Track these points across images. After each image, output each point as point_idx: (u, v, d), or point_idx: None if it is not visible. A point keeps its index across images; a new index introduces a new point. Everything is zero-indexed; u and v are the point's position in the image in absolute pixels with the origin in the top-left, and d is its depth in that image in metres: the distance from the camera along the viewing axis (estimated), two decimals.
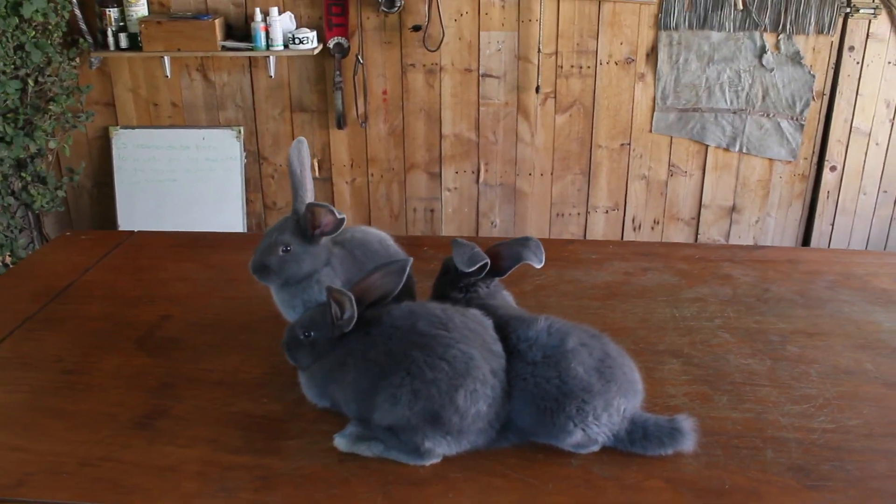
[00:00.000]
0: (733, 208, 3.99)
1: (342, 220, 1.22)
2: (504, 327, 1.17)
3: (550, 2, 3.60)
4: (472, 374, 1.08)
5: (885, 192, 3.90)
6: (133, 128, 3.80)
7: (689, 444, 1.11)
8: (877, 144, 3.81)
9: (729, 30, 3.60)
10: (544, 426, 1.10)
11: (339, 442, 1.12)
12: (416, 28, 3.62)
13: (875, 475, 1.10)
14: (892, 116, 3.76)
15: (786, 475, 1.10)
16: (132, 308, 1.58)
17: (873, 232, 3.99)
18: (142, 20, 3.45)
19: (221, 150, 3.74)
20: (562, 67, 3.74)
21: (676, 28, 3.61)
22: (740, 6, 3.48)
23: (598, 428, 1.09)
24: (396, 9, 3.51)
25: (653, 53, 3.70)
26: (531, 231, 4.09)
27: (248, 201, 3.93)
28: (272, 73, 3.66)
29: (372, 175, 3.97)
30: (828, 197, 3.92)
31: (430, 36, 3.64)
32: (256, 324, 1.51)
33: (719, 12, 3.56)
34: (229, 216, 3.80)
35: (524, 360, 1.13)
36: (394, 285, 1.18)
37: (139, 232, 1.99)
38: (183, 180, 3.75)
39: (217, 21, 3.44)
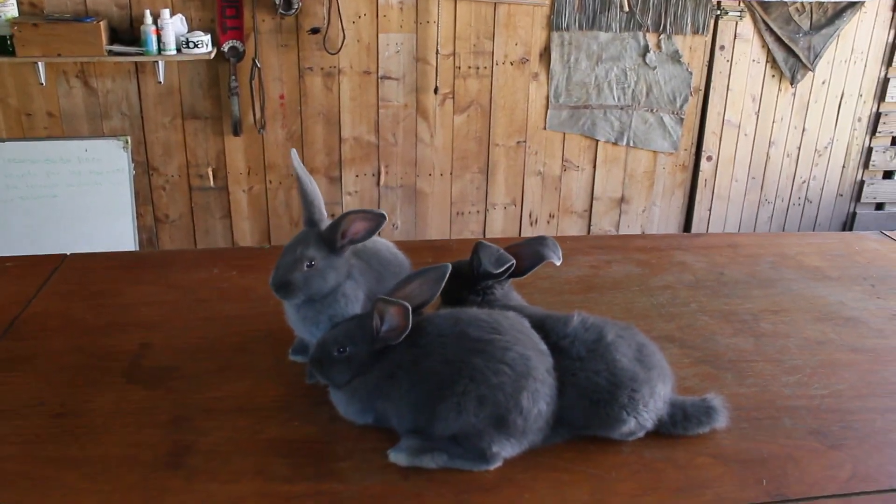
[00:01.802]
0: (622, 199, 4.22)
1: (381, 219, 1.18)
2: (540, 326, 1.19)
3: (448, 4, 3.65)
4: (532, 375, 1.09)
5: (753, 178, 4.26)
6: (2, 140, 3.46)
7: (723, 420, 1.18)
8: (745, 135, 4.16)
9: (615, 30, 3.80)
10: (598, 418, 1.13)
11: (398, 457, 1.09)
12: (315, 31, 3.55)
13: (878, 430, 1.23)
14: (757, 110, 4.11)
15: (808, 439, 1.20)
16: (103, 338, 1.45)
17: (744, 215, 4.35)
18: (13, 22, 3.14)
19: (107, 162, 3.49)
20: (459, 68, 3.80)
21: (567, 29, 3.77)
22: (625, 8, 3.68)
23: (647, 415, 1.14)
24: (293, 11, 3.42)
25: (546, 53, 3.83)
26: (432, 231, 4.13)
27: (139, 215, 3.69)
28: (161, 79, 3.46)
29: (270, 182, 3.85)
30: (705, 185, 4.23)
31: (329, 38, 3.58)
32: (250, 344, 1.44)
33: (606, 14, 3.75)
34: (118, 232, 3.56)
35: (569, 356, 1.15)
36: (432, 293, 1.17)
37: (73, 254, 1.84)
38: (64, 196, 3.47)
39: (101, 24, 3.20)
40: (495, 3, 3.69)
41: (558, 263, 1.28)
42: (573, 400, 1.14)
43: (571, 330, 1.18)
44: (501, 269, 1.24)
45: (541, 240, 1.30)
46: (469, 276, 1.29)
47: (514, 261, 1.25)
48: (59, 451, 1.14)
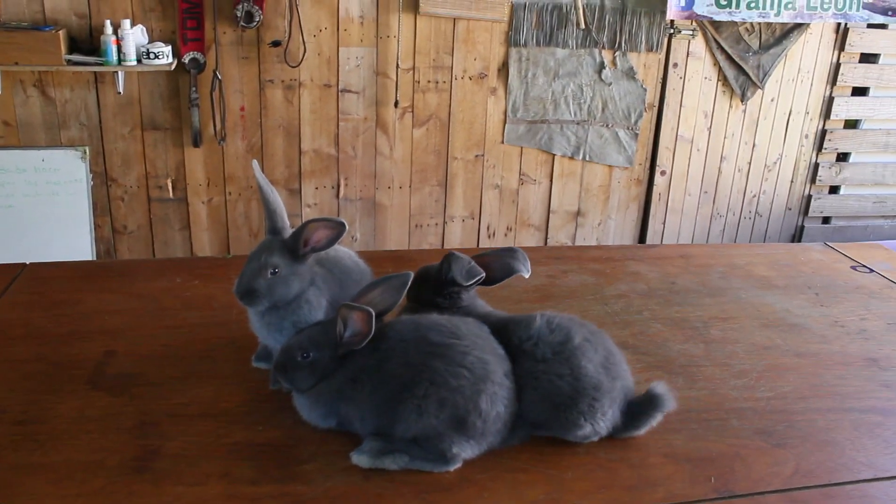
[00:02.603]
0: (578, 212, 4.30)
1: (342, 227, 1.21)
2: (502, 330, 1.23)
3: (408, 19, 3.70)
4: (490, 378, 1.13)
5: (706, 192, 4.39)
6: None
7: (670, 403, 1.22)
8: (698, 150, 4.28)
9: (572, 47, 3.89)
10: (557, 421, 1.17)
11: (360, 459, 1.12)
12: (276, 43, 3.56)
13: (819, 429, 1.29)
14: (709, 125, 4.24)
15: (755, 438, 1.26)
16: (66, 346, 1.46)
17: (697, 228, 4.47)
18: None
19: (65, 173, 3.45)
20: (419, 82, 3.85)
21: (525, 45, 3.85)
22: (582, 26, 3.78)
23: (603, 423, 1.18)
24: (255, 24, 3.44)
25: (504, 69, 3.91)
26: (391, 243, 4.16)
27: (97, 226, 3.65)
28: (121, 90, 3.44)
29: (230, 194, 3.85)
30: (659, 199, 4.34)
31: (290, 52, 3.60)
32: (214, 351, 1.46)
33: (563, 31, 3.84)
34: (76, 243, 3.51)
35: (533, 358, 1.18)
36: (394, 300, 1.20)
37: (32, 264, 1.83)
38: (20, 206, 3.42)
39: (61, 33, 3.18)
40: (454, 19, 3.75)
41: (527, 276, 1.32)
42: (535, 402, 1.17)
43: (535, 331, 1.21)
44: (471, 283, 1.27)
45: (511, 252, 1.33)
46: (437, 281, 1.32)
47: (483, 274, 1.28)
48: (23, 458, 1.14)
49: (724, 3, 3.81)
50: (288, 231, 1.27)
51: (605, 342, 1.24)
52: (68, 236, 3.51)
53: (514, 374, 1.18)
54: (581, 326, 1.23)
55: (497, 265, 1.32)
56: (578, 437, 1.19)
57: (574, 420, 1.16)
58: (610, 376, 1.19)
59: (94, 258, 3.62)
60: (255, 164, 1.33)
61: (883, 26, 4.21)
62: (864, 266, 2.01)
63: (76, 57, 3.24)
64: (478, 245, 4.25)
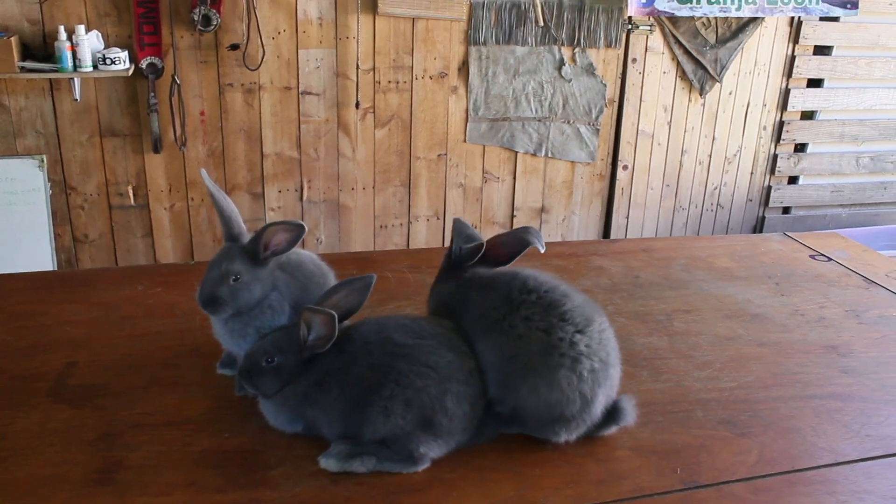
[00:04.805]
0: (542, 209, 4.32)
1: (301, 229, 1.21)
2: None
3: (366, 19, 3.69)
4: (455, 377, 1.13)
5: (668, 185, 4.44)
6: None
7: (630, 419, 1.23)
8: (659, 144, 4.33)
9: (531, 44, 3.91)
10: (540, 423, 1.18)
11: (328, 462, 1.12)
12: (234, 47, 3.53)
13: (782, 417, 1.32)
14: (669, 119, 4.29)
15: (719, 429, 1.28)
16: (27, 359, 1.43)
17: (661, 222, 4.52)
18: None
19: (22, 182, 3.38)
20: (380, 83, 3.84)
21: (485, 43, 3.86)
22: (540, 23, 3.80)
23: (577, 431, 1.19)
24: (212, 27, 3.40)
25: (464, 67, 3.91)
26: (356, 244, 4.15)
27: (56, 235, 3.58)
28: (77, 97, 3.38)
29: (192, 199, 3.80)
30: (622, 193, 4.38)
31: (248, 55, 3.57)
32: (176, 359, 1.44)
33: (522, 28, 3.86)
34: (35, 253, 3.44)
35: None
36: (359, 301, 1.20)
37: None
38: None
39: (13, 39, 3.11)
40: (413, 19, 3.75)
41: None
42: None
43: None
44: (471, 246, 1.27)
45: (525, 229, 1.32)
46: (452, 259, 1.32)
47: (483, 241, 1.27)
48: None
49: None
50: (246, 236, 1.27)
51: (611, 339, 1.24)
52: (28, 247, 3.44)
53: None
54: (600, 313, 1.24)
55: (511, 241, 1.30)
56: (551, 438, 1.19)
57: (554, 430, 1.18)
58: (605, 389, 1.19)
59: (56, 268, 3.56)
60: (204, 172, 1.33)
61: (835, 19, 4.30)
62: (823, 255, 2.06)
63: (30, 64, 3.17)
64: (443, 244, 4.25)
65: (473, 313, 1.22)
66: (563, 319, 1.17)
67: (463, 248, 1.29)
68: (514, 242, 1.30)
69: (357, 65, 3.75)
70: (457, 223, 1.33)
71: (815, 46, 4.39)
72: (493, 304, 1.20)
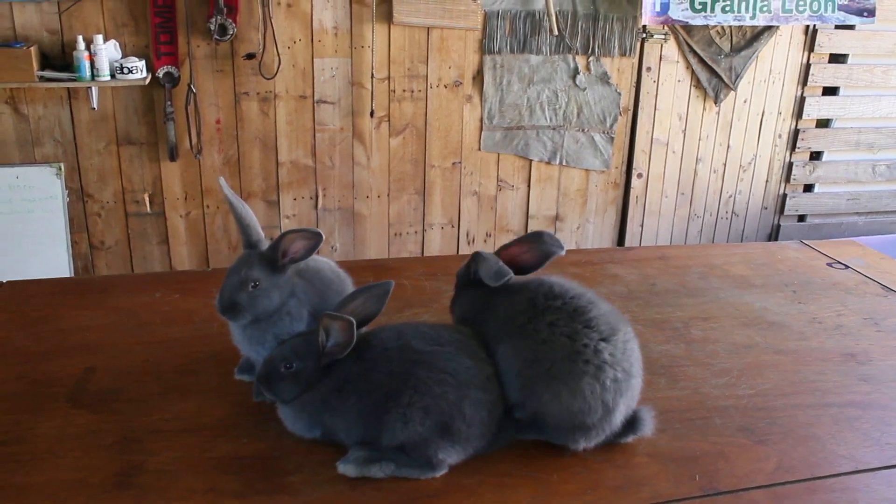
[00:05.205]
0: (557, 217, 4.32)
1: (319, 238, 1.21)
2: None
3: (381, 28, 3.71)
4: (473, 384, 1.13)
5: (683, 194, 4.43)
6: None
7: (649, 430, 1.23)
8: (673, 153, 4.32)
9: (546, 53, 3.92)
10: (562, 429, 1.17)
11: (346, 468, 1.12)
12: (250, 56, 3.56)
13: (800, 425, 1.31)
14: (684, 128, 4.28)
15: (737, 436, 1.27)
16: (45, 364, 1.44)
17: (675, 230, 4.51)
18: None
19: (40, 190, 3.42)
20: (394, 92, 3.86)
21: (499, 52, 3.87)
22: (555, 32, 3.80)
23: (597, 439, 1.18)
24: (228, 37, 3.43)
25: (478, 76, 3.92)
26: (371, 252, 4.16)
27: (73, 243, 3.62)
28: (95, 105, 3.41)
29: (208, 207, 3.83)
30: (636, 201, 4.37)
31: (264, 64, 3.60)
32: (194, 365, 1.45)
33: (537, 37, 3.87)
34: (52, 260, 3.48)
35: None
36: (377, 308, 1.21)
37: (9, 282, 1.81)
38: None
39: (32, 49, 3.15)
40: (428, 28, 3.77)
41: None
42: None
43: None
44: (500, 283, 1.25)
45: (538, 236, 1.30)
46: (468, 280, 1.32)
47: (512, 274, 1.25)
48: (4, 479, 1.12)
49: (699, 7, 3.86)
50: (264, 243, 1.28)
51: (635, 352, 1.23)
52: (45, 253, 3.48)
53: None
54: (626, 324, 1.23)
55: (530, 255, 1.29)
56: (570, 445, 1.18)
57: (574, 437, 1.17)
58: (627, 398, 1.19)
59: (72, 275, 3.58)
60: (222, 180, 1.33)
61: (850, 27, 4.28)
62: (840, 262, 2.04)
63: (49, 73, 3.21)
64: (457, 252, 4.26)
65: (498, 317, 1.22)
66: (587, 326, 1.16)
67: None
68: (539, 255, 1.29)
69: (372, 74, 3.77)
70: (481, 261, 1.28)
71: (831, 55, 4.38)
72: (518, 309, 1.20)
